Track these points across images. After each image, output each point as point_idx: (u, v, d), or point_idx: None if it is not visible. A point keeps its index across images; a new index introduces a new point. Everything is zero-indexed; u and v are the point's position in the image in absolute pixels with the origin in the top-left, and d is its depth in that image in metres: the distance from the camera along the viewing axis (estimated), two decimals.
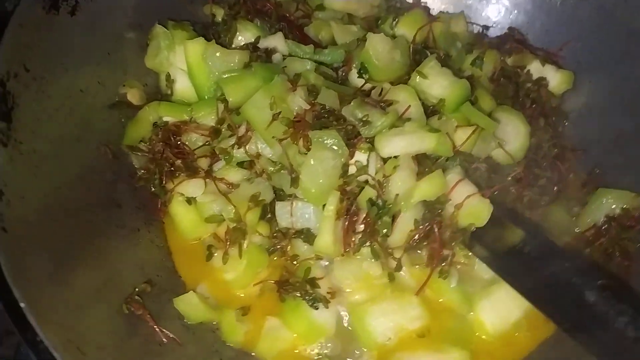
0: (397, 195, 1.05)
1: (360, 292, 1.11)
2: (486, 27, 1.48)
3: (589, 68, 1.37)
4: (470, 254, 1.12)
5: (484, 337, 1.09)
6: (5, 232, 0.85)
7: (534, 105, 1.32)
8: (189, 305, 1.08)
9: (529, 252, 1.03)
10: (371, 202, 1.06)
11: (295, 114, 1.12)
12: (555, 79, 1.36)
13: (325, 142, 1.09)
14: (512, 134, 1.24)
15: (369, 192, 1.07)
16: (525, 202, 1.21)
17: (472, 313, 1.11)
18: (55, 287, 0.92)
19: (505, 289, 1.09)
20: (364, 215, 1.09)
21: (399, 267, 1.11)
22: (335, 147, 1.09)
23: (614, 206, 1.19)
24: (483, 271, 1.13)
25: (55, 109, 1.07)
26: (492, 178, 1.18)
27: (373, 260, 1.11)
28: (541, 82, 1.36)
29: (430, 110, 1.18)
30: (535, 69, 1.38)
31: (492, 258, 1.07)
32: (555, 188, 1.24)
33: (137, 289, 1.04)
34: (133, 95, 1.24)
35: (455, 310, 1.11)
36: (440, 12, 1.46)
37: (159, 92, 1.29)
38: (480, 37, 1.44)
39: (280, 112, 1.10)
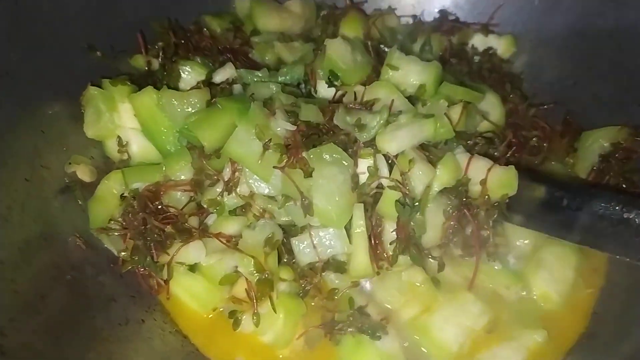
0: (427, 188, 0.97)
1: (412, 305, 1.01)
2: (414, 17, 1.47)
3: (523, 27, 1.40)
4: (502, 230, 1.06)
5: (550, 308, 1.03)
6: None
7: (492, 75, 1.33)
8: None
9: (565, 202, 0.99)
10: (401, 204, 0.96)
11: (284, 138, 1.01)
12: (500, 46, 1.39)
13: (326, 158, 0.99)
14: (488, 105, 1.22)
15: (392, 195, 0.98)
16: (524, 164, 1.19)
17: (526, 290, 1.04)
18: None
19: (550, 252, 1.06)
20: (392, 222, 1.00)
21: (442, 267, 1.02)
22: (338, 160, 0.99)
23: (604, 144, 1.20)
24: (520, 243, 1.08)
25: (7, 208, 0.86)
26: (491, 149, 1.15)
27: (413, 267, 1.02)
28: (489, 52, 1.37)
29: (411, 99, 1.13)
30: (479, 42, 1.39)
31: (533, 220, 1.02)
32: (545, 144, 1.23)
33: None
34: (83, 172, 1.05)
35: (510, 292, 1.04)
36: (374, 9, 1.43)
37: (108, 162, 1.11)
38: (418, 25, 1.43)
39: (270, 140, 0.98)
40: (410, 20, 1.47)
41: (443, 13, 1.45)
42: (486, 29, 1.38)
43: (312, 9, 1.39)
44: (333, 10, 1.38)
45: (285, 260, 1.04)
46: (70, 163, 1.04)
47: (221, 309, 1.00)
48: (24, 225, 0.89)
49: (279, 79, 1.15)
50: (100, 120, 1.07)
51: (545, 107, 1.30)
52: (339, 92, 1.14)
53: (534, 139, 1.22)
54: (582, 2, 1.32)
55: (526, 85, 1.39)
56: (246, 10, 1.36)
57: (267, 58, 1.26)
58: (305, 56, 1.20)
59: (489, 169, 1.01)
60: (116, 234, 0.99)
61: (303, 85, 1.19)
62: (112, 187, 1.02)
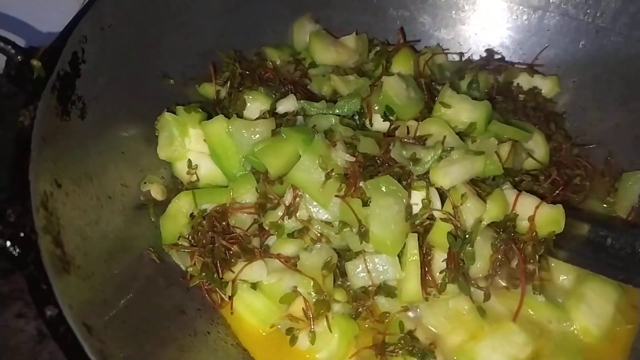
0: (477, 221, 1.03)
1: (458, 332, 1.06)
2: (462, 54, 1.54)
3: (567, 68, 1.46)
4: (546, 264, 1.11)
5: (590, 341, 1.07)
6: None
7: (536, 113, 1.38)
8: None
9: (609, 242, 1.05)
10: (453, 235, 1.03)
11: (343, 168, 1.08)
12: (545, 86, 1.44)
13: (383, 188, 1.06)
14: (532, 143, 1.28)
15: (444, 227, 1.04)
16: (567, 202, 1.24)
17: (567, 323, 1.09)
18: None
19: (591, 288, 1.11)
20: (442, 252, 1.06)
21: (487, 297, 1.08)
22: (394, 192, 1.06)
23: None
24: (562, 278, 1.13)
25: (95, 223, 0.95)
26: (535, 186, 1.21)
27: (460, 296, 1.07)
28: (535, 91, 1.43)
29: (461, 135, 1.19)
30: (524, 81, 1.45)
31: (577, 257, 1.07)
32: (588, 183, 1.28)
33: None
34: (156, 191, 1.13)
35: (552, 324, 1.09)
36: (425, 47, 1.51)
37: (176, 182, 1.20)
38: (466, 63, 1.50)
39: (332, 170, 1.05)
40: (457, 58, 1.54)
41: (489, 52, 1.51)
42: (532, 70, 1.45)
43: (365, 44, 1.47)
44: (385, 46, 1.46)
45: (339, 282, 1.10)
46: (145, 182, 1.12)
47: (279, 326, 1.06)
48: (107, 238, 0.97)
49: (336, 111, 1.23)
50: (172, 143, 1.15)
51: (588, 147, 1.36)
52: (393, 126, 1.21)
53: (577, 177, 1.27)
54: (626, 47, 1.38)
55: (568, 124, 1.45)
56: (303, 43, 1.45)
57: (323, 90, 1.34)
58: (360, 90, 1.28)
59: (537, 207, 1.07)
60: (186, 251, 1.07)
61: (357, 117, 1.26)
62: (182, 206, 1.10)
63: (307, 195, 1.08)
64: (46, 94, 0.93)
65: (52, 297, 0.75)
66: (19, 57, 0.95)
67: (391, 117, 1.20)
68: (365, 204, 1.06)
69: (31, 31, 1.32)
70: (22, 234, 0.78)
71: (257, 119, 1.17)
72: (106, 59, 1.09)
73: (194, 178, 1.17)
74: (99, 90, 1.07)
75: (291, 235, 1.12)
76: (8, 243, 0.76)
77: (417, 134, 1.17)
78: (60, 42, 1.00)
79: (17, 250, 0.77)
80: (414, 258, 1.03)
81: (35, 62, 0.95)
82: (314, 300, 1.03)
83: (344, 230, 1.07)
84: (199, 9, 1.30)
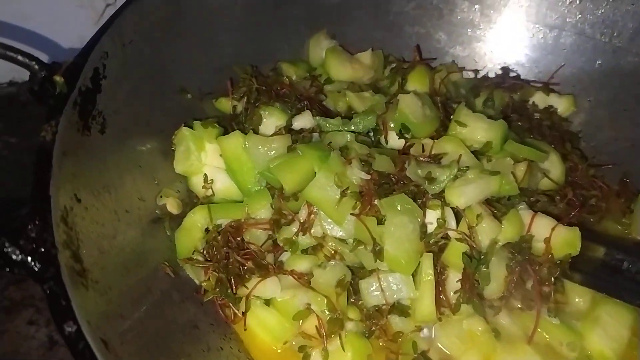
0: (493, 242, 1.03)
1: (471, 354, 1.06)
2: (477, 71, 1.54)
3: (583, 87, 1.46)
4: (562, 287, 1.10)
5: None
6: None
7: (552, 132, 1.38)
8: None
9: (626, 265, 1.04)
10: (468, 256, 1.02)
11: (358, 186, 1.09)
12: (561, 105, 1.44)
13: (398, 207, 1.06)
14: (548, 163, 1.27)
15: (459, 247, 1.04)
16: (582, 224, 1.23)
17: (582, 346, 1.08)
18: None
19: (606, 311, 1.10)
20: (457, 272, 1.06)
21: (497, 310, 1.07)
22: (409, 210, 1.06)
23: None
24: (577, 301, 1.12)
25: (112, 237, 0.96)
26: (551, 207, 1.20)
27: (474, 317, 1.07)
28: (550, 109, 1.43)
29: (476, 154, 1.19)
30: (540, 99, 1.45)
31: (593, 280, 1.07)
32: (603, 204, 1.27)
33: None
34: (172, 205, 1.14)
35: (567, 347, 1.08)
36: (440, 64, 1.52)
37: (192, 196, 1.21)
38: (481, 80, 1.50)
39: (347, 188, 1.06)
40: (472, 75, 1.54)
41: (505, 70, 1.52)
42: (547, 88, 1.44)
43: (381, 61, 1.48)
44: (401, 63, 1.47)
45: (352, 300, 1.10)
46: (161, 196, 1.13)
47: (294, 343, 1.06)
48: (124, 252, 0.98)
49: (352, 127, 1.23)
50: (189, 158, 1.16)
51: (604, 167, 1.35)
52: (408, 144, 1.21)
53: (593, 198, 1.26)
54: None
55: (583, 144, 1.44)
56: (319, 59, 1.46)
57: (339, 106, 1.35)
58: (376, 106, 1.28)
59: (553, 228, 1.07)
60: (200, 265, 1.07)
61: (372, 134, 1.27)
62: (197, 220, 1.11)
63: (321, 212, 1.09)
64: (68, 110, 0.95)
65: (71, 312, 0.76)
66: (42, 73, 0.96)
67: (407, 135, 1.20)
68: (380, 222, 1.06)
69: (53, 46, 1.35)
70: (42, 249, 0.79)
71: (273, 134, 1.18)
72: (126, 75, 1.11)
73: (210, 192, 1.18)
74: (118, 105, 1.08)
75: (305, 251, 1.12)
76: (29, 258, 0.77)
77: (433, 153, 1.18)
78: (82, 58, 1.01)
79: (38, 265, 0.78)
80: (428, 278, 1.03)
81: (57, 78, 0.96)
82: (327, 318, 1.03)
83: (358, 248, 1.07)
84: (217, 26, 1.32)
